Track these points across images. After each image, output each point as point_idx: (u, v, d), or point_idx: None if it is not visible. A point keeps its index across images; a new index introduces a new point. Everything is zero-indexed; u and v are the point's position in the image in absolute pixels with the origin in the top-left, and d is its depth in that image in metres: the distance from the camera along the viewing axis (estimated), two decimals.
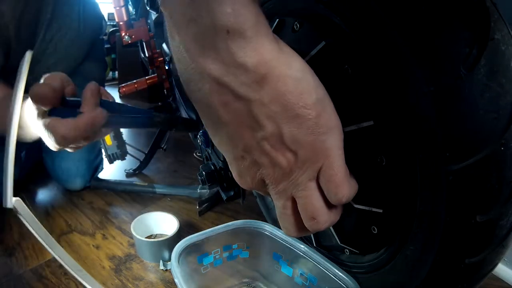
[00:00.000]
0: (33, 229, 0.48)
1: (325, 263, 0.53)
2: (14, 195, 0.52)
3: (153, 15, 0.96)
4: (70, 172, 1.05)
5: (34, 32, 0.89)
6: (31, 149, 1.09)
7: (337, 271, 0.51)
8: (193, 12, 0.26)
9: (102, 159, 1.11)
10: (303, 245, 0.57)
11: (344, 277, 0.50)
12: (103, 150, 1.02)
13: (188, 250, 0.59)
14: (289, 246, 0.59)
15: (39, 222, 0.49)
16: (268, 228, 0.63)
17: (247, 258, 0.66)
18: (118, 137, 1.01)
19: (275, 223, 0.78)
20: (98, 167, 1.13)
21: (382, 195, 0.45)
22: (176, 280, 0.51)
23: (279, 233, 0.61)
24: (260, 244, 0.64)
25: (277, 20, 0.55)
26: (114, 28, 2.98)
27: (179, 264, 0.54)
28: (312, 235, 0.60)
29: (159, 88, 1.12)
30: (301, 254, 0.57)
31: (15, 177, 0.95)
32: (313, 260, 0.55)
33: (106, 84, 2.76)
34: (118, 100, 2.32)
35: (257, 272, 0.66)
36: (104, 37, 3.21)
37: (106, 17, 3.57)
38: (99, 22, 1.13)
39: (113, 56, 2.90)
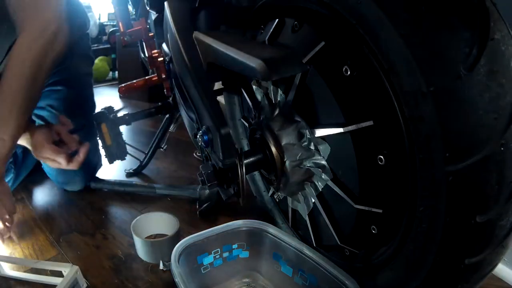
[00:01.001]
0: None
1: (325, 263, 0.53)
2: (15, 195, 0.53)
3: (153, 15, 0.96)
4: (69, 174, 1.04)
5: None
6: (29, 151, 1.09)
7: (337, 272, 0.51)
8: None
9: (100, 156, 1.10)
10: (304, 245, 0.57)
11: (344, 278, 0.50)
12: (103, 150, 1.02)
13: (188, 250, 0.59)
14: (289, 246, 0.59)
15: None
16: (268, 228, 0.63)
17: (247, 258, 0.65)
18: (118, 137, 1.00)
19: (276, 224, 0.78)
20: (96, 166, 1.12)
21: (382, 195, 0.45)
22: (176, 280, 0.51)
23: (279, 233, 0.61)
24: (260, 244, 0.64)
25: (277, 20, 0.55)
26: (114, 28, 2.98)
27: (179, 264, 0.54)
28: (312, 235, 0.60)
29: (159, 88, 1.12)
30: (301, 254, 0.57)
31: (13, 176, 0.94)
32: (313, 261, 0.55)
33: (106, 84, 2.76)
34: (118, 99, 2.28)
35: (257, 272, 0.66)
36: (104, 37, 3.20)
37: (106, 17, 3.54)
38: (83, 18, 1.13)
39: (113, 56, 2.90)
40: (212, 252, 0.62)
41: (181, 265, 0.55)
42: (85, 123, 0.94)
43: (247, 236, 0.64)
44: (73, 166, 0.85)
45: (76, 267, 0.63)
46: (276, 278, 0.63)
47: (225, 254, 0.63)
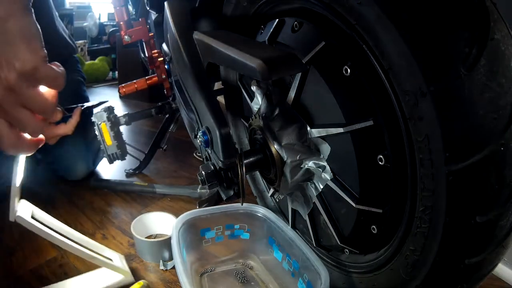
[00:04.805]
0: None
1: (308, 252, 0.55)
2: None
3: (153, 15, 0.96)
4: (70, 156, 1.04)
5: None
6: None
7: (314, 259, 0.53)
8: None
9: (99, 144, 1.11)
10: (291, 230, 0.59)
11: (319, 267, 0.52)
12: (103, 150, 1.02)
13: (192, 222, 0.62)
14: (281, 231, 0.61)
15: (44, 229, 0.51)
16: (267, 214, 0.65)
17: (247, 240, 0.68)
18: (118, 137, 1.00)
19: None
20: (98, 151, 1.12)
21: (382, 195, 0.45)
22: (173, 251, 0.54)
23: (275, 218, 0.63)
24: (260, 228, 0.66)
25: (277, 20, 0.55)
26: (114, 28, 2.98)
27: (180, 233, 0.58)
28: (312, 235, 0.60)
29: (159, 88, 1.12)
30: (288, 239, 0.59)
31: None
32: (299, 248, 0.56)
33: (106, 84, 2.76)
34: (118, 99, 2.27)
35: (255, 255, 0.68)
36: (104, 37, 3.20)
37: (106, 17, 3.56)
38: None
39: (113, 56, 2.91)
40: (215, 228, 0.65)
41: (182, 234, 0.59)
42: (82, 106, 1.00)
43: (248, 218, 0.67)
44: (68, 128, 0.88)
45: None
46: (269, 262, 0.66)
47: (227, 232, 0.67)
